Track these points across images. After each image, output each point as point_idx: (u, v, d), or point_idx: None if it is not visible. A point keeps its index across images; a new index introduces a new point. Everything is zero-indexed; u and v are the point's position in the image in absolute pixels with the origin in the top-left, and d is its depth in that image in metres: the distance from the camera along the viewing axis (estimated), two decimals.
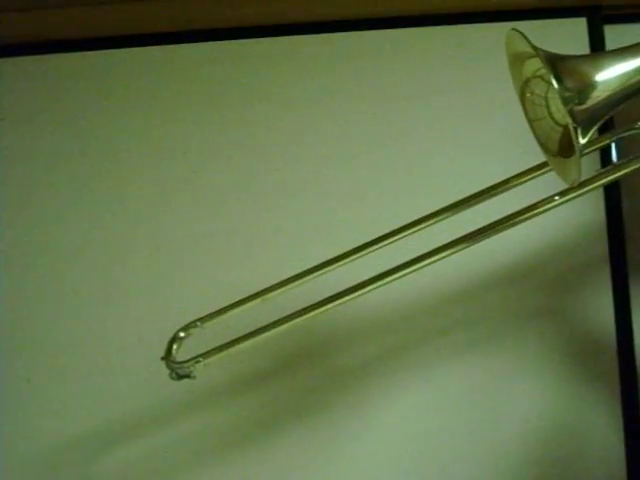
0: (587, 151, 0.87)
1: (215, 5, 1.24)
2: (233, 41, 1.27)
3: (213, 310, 0.98)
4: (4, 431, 1.22)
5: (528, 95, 0.81)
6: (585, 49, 1.22)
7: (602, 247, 1.17)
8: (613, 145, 1.14)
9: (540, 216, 0.87)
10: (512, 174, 0.95)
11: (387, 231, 0.96)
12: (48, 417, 1.22)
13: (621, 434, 1.14)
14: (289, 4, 1.24)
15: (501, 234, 0.89)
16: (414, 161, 1.23)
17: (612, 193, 1.17)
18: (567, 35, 1.23)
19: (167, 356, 0.95)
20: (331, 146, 1.24)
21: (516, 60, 0.80)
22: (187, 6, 1.24)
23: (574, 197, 0.86)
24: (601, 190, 1.17)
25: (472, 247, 0.89)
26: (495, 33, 1.20)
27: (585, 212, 1.18)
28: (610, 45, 1.22)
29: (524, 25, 1.20)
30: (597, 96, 0.74)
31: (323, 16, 1.26)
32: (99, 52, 1.29)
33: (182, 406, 1.20)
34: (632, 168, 0.85)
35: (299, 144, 1.25)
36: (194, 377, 0.96)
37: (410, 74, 1.25)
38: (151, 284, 1.23)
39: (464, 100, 1.22)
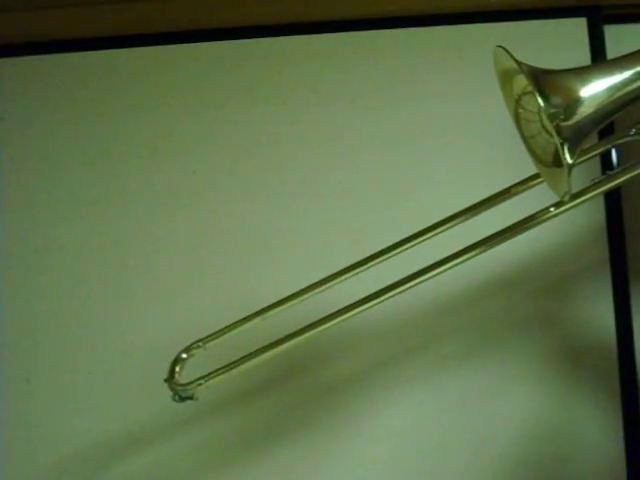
0: (580, 160, 0.86)
1: (215, 5, 1.24)
2: (233, 41, 1.27)
3: (215, 313, 0.99)
4: (3, 431, 1.22)
5: (521, 111, 0.80)
6: (585, 49, 1.22)
7: (602, 250, 1.17)
8: (613, 150, 1.14)
9: None
10: (513, 175, 0.95)
11: (384, 238, 0.96)
12: (47, 417, 1.22)
13: (621, 435, 1.14)
14: (289, 4, 1.24)
15: None
16: (414, 163, 1.22)
17: (612, 195, 1.17)
18: (567, 35, 1.23)
19: (170, 378, 0.94)
20: (331, 147, 1.24)
21: (505, 78, 0.79)
22: (187, 6, 1.24)
23: (570, 208, 0.85)
24: None
25: None
26: (495, 33, 1.22)
27: (585, 215, 1.18)
28: (610, 45, 1.22)
29: (524, 25, 1.23)
30: (583, 111, 0.74)
31: (323, 16, 1.25)
32: (99, 52, 1.29)
33: (180, 408, 1.19)
34: (626, 177, 0.85)
35: (299, 144, 1.24)
36: (197, 399, 0.94)
37: (410, 74, 1.24)
38: (152, 286, 1.23)
39: (464, 100, 1.22)
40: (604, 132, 1.01)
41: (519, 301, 1.18)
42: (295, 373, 1.19)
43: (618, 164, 1.15)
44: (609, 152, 1.14)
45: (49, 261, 1.25)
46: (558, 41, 1.22)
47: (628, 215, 1.18)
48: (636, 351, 1.15)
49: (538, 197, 0.88)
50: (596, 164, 1.15)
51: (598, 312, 1.17)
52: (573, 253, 1.18)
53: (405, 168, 1.22)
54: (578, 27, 1.23)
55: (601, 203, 1.18)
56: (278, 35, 1.26)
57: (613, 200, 1.18)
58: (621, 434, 1.14)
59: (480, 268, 1.16)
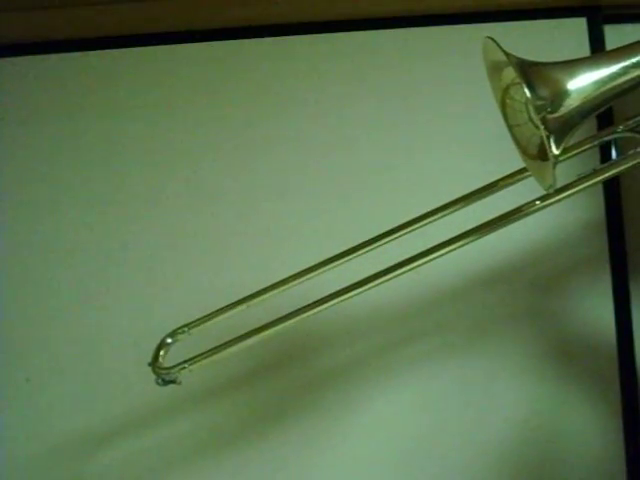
0: (566, 157, 0.87)
1: (215, 5, 1.24)
2: (233, 41, 1.27)
3: (208, 310, 0.98)
4: (4, 431, 1.22)
5: (508, 101, 0.80)
6: (585, 49, 1.22)
7: (602, 245, 1.17)
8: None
9: (539, 213, 0.86)
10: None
11: (376, 232, 0.96)
12: (48, 417, 1.22)
13: (621, 434, 1.14)
14: (289, 4, 1.24)
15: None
16: (414, 162, 1.23)
17: (612, 189, 1.17)
18: (567, 35, 1.23)
19: (154, 362, 0.95)
20: (330, 146, 1.24)
21: (494, 69, 0.79)
22: (187, 6, 1.24)
23: (556, 201, 0.85)
24: (600, 187, 1.17)
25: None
26: (495, 33, 1.21)
27: (584, 209, 1.17)
28: (610, 45, 1.22)
29: (524, 25, 1.22)
30: (570, 104, 0.74)
31: (323, 16, 1.26)
32: (99, 52, 1.29)
33: (177, 407, 1.20)
34: (613, 172, 0.85)
35: (298, 144, 1.24)
36: (179, 383, 0.95)
37: (410, 74, 1.25)
38: (150, 284, 1.23)
39: (464, 100, 1.22)
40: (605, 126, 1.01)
41: (515, 298, 1.18)
42: (289, 362, 1.19)
43: (617, 155, 1.15)
44: (609, 146, 1.14)
45: (49, 261, 1.25)
46: (558, 41, 1.22)
47: (628, 209, 1.18)
48: (636, 348, 1.15)
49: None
50: (595, 158, 1.15)
51: (597, 307, 1.16)
52: (572, 247, 1.18)
53: (405, 167, 1.22)
54: (578, 27, 1.23)
55: (600, 197, 1.18)
56: (277, 35, 1.27)
57: (613, 194, 1.17)
58: (621, 434, 1.14)
59: (477, 262, 1.16)
